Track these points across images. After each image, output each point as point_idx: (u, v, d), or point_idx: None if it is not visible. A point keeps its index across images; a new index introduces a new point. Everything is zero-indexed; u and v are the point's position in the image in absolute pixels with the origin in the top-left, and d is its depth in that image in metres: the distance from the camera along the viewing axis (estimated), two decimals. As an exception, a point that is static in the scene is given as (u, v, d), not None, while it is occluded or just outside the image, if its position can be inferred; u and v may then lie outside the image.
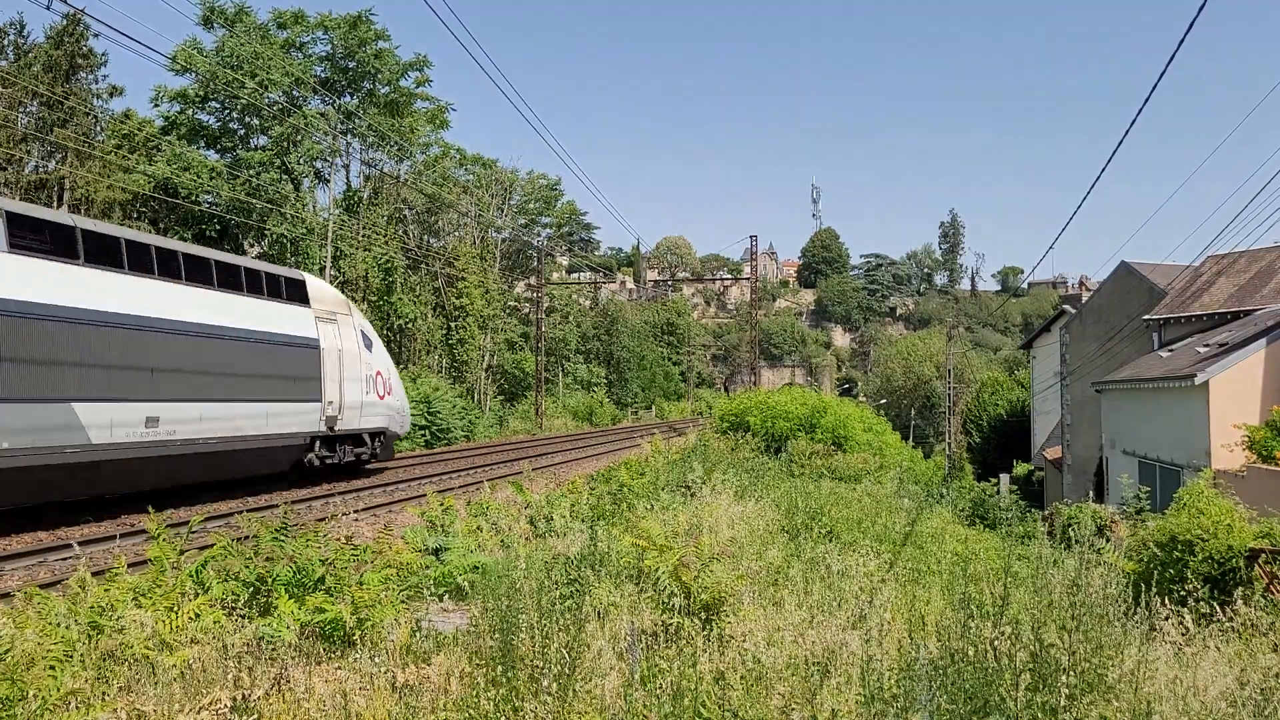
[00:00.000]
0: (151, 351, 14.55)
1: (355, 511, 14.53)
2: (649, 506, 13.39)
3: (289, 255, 37.96)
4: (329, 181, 43.06)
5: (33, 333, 12.58)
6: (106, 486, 14.20)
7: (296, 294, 19.00)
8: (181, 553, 7.77)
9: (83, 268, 13.74)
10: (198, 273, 16.19)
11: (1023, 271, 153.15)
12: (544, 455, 27.69)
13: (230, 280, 17.01)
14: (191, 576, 7.35)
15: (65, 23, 36.74)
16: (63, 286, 13.25)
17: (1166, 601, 6.23)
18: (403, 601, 7.37)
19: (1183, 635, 5.89)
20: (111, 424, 13.74)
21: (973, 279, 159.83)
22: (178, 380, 15.07)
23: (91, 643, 5.88)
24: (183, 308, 15.44)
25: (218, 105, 40.44)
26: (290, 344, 18.08)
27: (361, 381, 20.50)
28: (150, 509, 8.79)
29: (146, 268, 15.03)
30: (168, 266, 15.51)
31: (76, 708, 4.92)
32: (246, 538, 9.17)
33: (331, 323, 19.76)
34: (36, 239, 13.12)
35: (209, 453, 15.78)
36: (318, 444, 18.96)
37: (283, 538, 8.13)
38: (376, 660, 5.81)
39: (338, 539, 9.26)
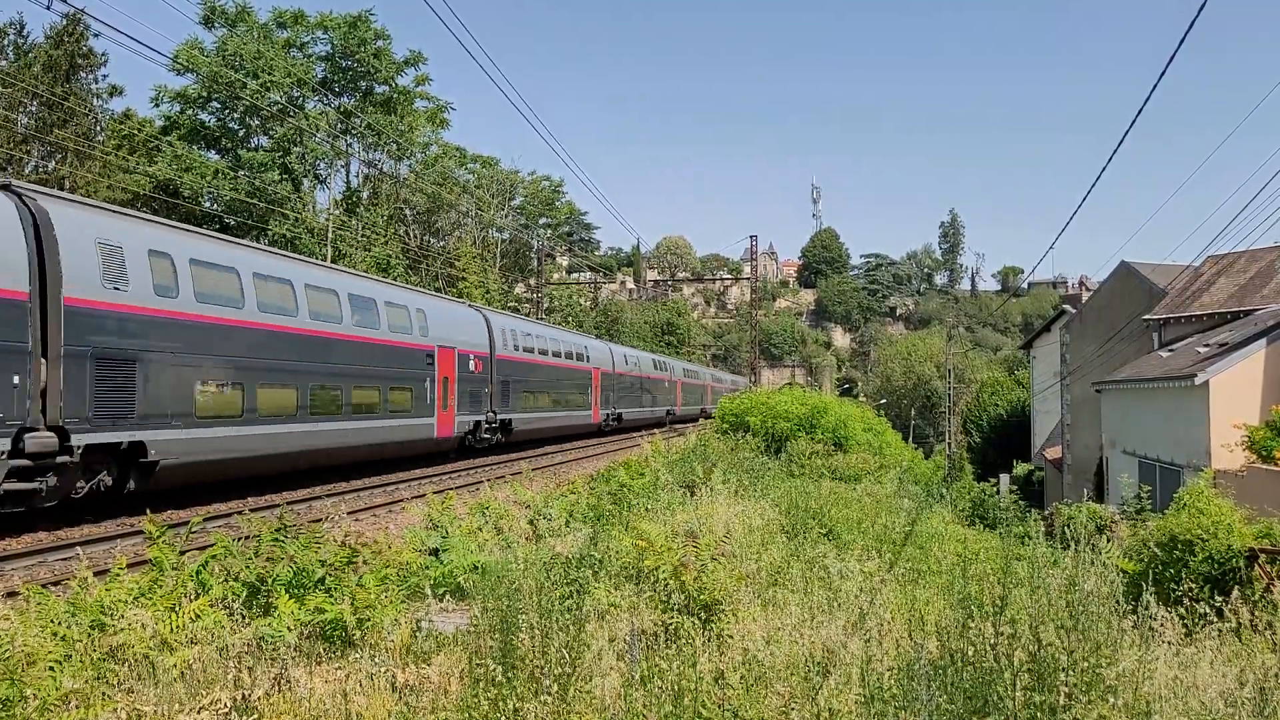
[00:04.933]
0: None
1: (356, 511, 14.55)
2: (649, 506, 13.39)
3: None
4: (325, 181, 43.06)
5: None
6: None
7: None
8: (182, 553, 7.77)
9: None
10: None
11: (1023, 271, 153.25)
12: (544, 455, 27.69)
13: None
14: (193, 577, 7.34)
15: (65, 23, 36.74)
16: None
17: (1167, 601, 6.22)
18: (403, 601, 7.37)
19: (1182, 635, 5.89)
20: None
21: (973, 279, 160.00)
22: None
23: (92, 642, 5.87)
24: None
25: (218, 105, 40.43)
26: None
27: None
28: (148, 510, 8.78)
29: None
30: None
31: (76, 707, 4.92)
32: (248, 538, 9.16)
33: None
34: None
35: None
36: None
37: (283, 538, 8.13)
38: (376, 660, 5.81)
39: (340, 539, 9.26)
